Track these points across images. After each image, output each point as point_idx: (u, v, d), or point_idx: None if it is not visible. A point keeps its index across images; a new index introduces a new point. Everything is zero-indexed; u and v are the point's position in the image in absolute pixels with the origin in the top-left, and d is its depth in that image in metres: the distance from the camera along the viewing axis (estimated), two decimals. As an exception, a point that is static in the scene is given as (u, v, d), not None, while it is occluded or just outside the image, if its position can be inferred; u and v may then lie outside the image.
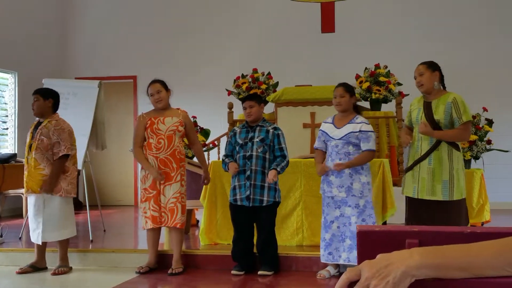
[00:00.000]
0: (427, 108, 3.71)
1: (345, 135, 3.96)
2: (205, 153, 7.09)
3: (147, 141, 4.36)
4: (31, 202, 4.41)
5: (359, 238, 2.06)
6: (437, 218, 3.59)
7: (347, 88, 4.05)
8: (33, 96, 4.46)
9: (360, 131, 3.94)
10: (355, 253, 3.95)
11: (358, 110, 4.17)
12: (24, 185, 4.40)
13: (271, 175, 4.12)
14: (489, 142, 6.08)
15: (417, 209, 3.73)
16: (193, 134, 4.53)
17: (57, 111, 4.53)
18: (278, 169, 4.16)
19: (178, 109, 4.51)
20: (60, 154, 4.32)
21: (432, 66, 3.74)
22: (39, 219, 4.32)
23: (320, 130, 4.14)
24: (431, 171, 3.66)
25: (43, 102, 4.41)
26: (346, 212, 3.99)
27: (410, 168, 3.77)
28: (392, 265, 0.92)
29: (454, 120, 3.65)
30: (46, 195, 4.30)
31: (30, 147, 4.36)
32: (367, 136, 3.95)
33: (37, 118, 4.50)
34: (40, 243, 4.37)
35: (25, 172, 4.38)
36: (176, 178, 4.29)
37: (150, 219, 4.30)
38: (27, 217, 5.01)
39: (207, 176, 4.60)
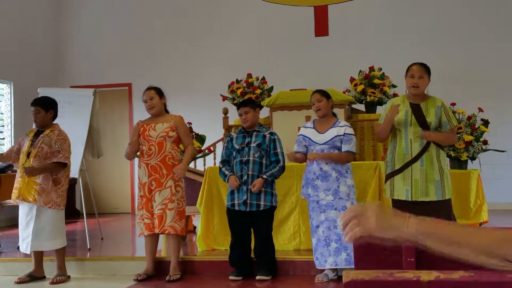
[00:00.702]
0: (417, 110, 3.73)
1: (331, 139, 4.00)
2: (201, 159, 7.10)
3: (140, 148, 4.39)
4: (22, 211, 4.40)
5: (356, 240, 2.08)
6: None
7: (323, 93, 4.13)
8: (33, 108, 4.45)
9: (344, 134, 4.01)
10: (343, 255, 3.96)
11: (336, 115, 4.24)
12: (15, 192, 4.37)
13: (257, 184, 4.12)
14: (485, 142, 6.10)
15: (408, 211, 3.72)
16: (186, 138, 4.44)
17: (57, 119, 4.57)
18: (265, 176, 4.16)
19: (172, 115, 4.50)
20: (58, 160, 4.33)
21: (429, 71, 3.79)
22: (29, 229, 4.31)
23: (300, 135, 4.16)
24: (424, 172, 3.68)
25: (44, 114, 4.44)
26: (331, 215, 4.00)
27: (400, 170, 3.75)
28: (389, 221, 0.98)
29: (443, 124, 3.76)
30: (38, 206, 4.29)
31: (28, 154, 4.36)
32: (349, 139, 4.01)
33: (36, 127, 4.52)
34: (29, 253, 4.36)
35: (19, 179, 4.36)
36: (166, 184, 4.27)
37: (145, 226, 4.31)
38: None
39: (180, 169, 4.25)
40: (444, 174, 3.70)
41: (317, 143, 4.03)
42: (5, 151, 4.60)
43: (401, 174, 3.74)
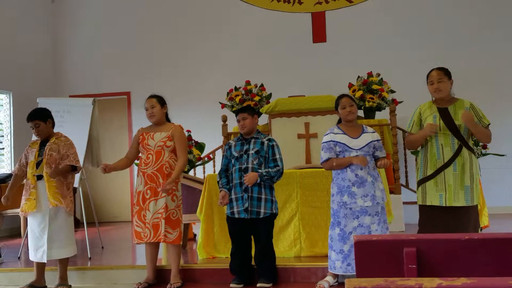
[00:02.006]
0: (445, 114, 3.71)
1: (366, 144, 3.97)
2: (200, 167, 7.10)
3: (140, 157, 4.42)
4: (34, 221, 4.41)
5: (357, 247, 2.08)
6: (455, 224, 3.57)
7: (352, 98, 4.13)
8: (31, 123, 4.47)
9: (377, 140, 4.04)
10: None
11: None
12: (27, 203, 4.37)
13: (250, 175, 4.11)
14: (484, 146, 6.11)
15: (437, 217, 3.68)
16: (180, 148, 4.34)
17: (57, 129, 4.62)
18: (260, 171, 4.14)
19: (172, 124, 4.50)
20: (70, 163, 4.40)
21: (448, 74, 3.78)
22: (44, 236, 4.33)
23: (332, 141, 3.98)
24: (457, 177, 3.64)
25: (45, 125, 4.47)
26: (366, 221, 3.96)
27: (432, 176, 3.70)
28: None
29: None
30: (51, 212, 4.32)
31: (37, 164, 4.39)
32: (381, 144, 4.06)
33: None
34: (45, 261, 4.37)
35: (31, 190, 4.37)
36: (162, 193, 4.26)
37: (135, 234, 4.33)
38: (26, 236, 4.99)
39: (166, 186, 4.18)
40: (475, 180, 3.67)
41: (353, 149, 3.96)
42: (16, 167, 4.59)
43: (434, 179, 3.70)
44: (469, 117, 3.60)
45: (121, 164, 4.49)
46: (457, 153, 3.66)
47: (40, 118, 4.46)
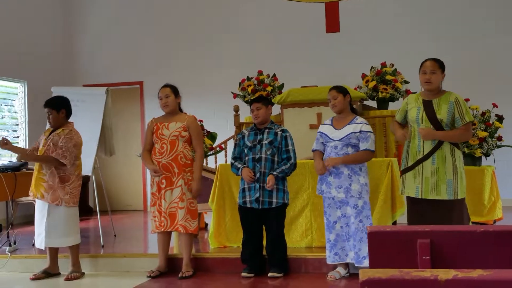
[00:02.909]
0: (428, 107, 3.67)
1: (346, 136, 3.98)
2: (212, 157, 7.12)
3: (154, 146, 4.42)
4: (37, 207, 4.51)
5: (370, 238, 2.07)
6: (440, 218, 3.56)
7: (339, 89, 4.12)
8: (45, 109, 4.51)
9: (360, 131, 3.98)
10: (362, 251, 3.95)
11: (356, 111, 4.23)
12: (30, 189, 4.49)
13: (269, 182, 4.13)
14: (499, 138, 6.04)
15: (419, 209, 3.69)
16: (196, 140, 4.41)
17: (70, 118, 4.60)
18: (275, 173, 4.16)
19: (186, 114, 4.51)
20: (55, 156, 4.32)
21: (443, 66, 3.72)
22: (42, 226, 4.39)
23: (319, 132, 4.17)
24: (435, 171, 3.62)
25: (56, 114, 4.49)
26: (348, 212, 4.02)
27: (412, 168, 3.71)
28: None
29: (456, 120, 3.65)
30: (50, 204, 4.35)
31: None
32: (366, 137, 3.98)
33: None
34: (43, 248, 4.45)
35: (32, 177, 4.48)
36: (177, 183, 4.29)
37: (155, 224, 4.36)
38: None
39: (195, 187, 4.33)
40: (458, 173, 3.63)
41: (333, 140, 4.03)
42: (30, 149, 4.69)
43: (413, 171, 3.70)
44: (425, 133, 3.61)
45: (151, 159, 4.40)
46: (436, 147, 3.63)
47: (53, 107, 4.49)
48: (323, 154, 4.13)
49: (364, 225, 3.94)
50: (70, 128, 4.52)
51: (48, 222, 4.37)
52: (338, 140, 4.00)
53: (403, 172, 3.79)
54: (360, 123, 4.02)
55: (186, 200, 4.31)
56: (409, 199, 3.77)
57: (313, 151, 4.19)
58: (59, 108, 4.51)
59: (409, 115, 3.76)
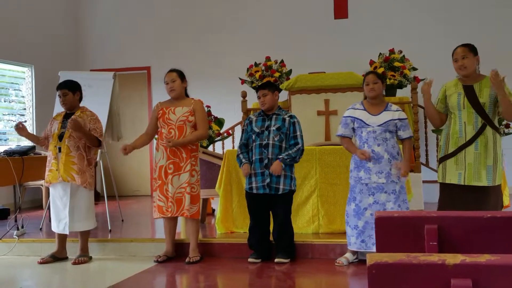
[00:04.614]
0: (470, 92, 3.62)
1: (385, 122, 3.96)
2: (219, 142, 7.12)
3: (159, 131, 4.41)
4: (56, 193, 4.47)
5: (378, 224, 2.07)
6: (475, 204, 3.52)
7: (378, 75, 4.09)
8: (59, 91, 4.51)
9: (399, 119, 3.99)
10: None
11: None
12: (49, 174, 4.42)
13: (275, 166, 4.12)
14: (507, 126, 5.99)
15: (456, 195, 3.62)
16: (201, 121, 4.36)
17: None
18: (282, 156, 4.15)
19: (192, 99, 4.50)
20: (95, 135, 4.43)
21: (474, 50, 3.67)
22: (66, 209, 4.39)
23: (350, 116, 4.07)
24: (478, 156, 3.57)
25: (72, 96, 4.51)
26: (381, 198, 3.97)
27: (453, 154, 3.64)
28: None
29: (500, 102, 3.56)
30: (73, 185, 4.36)
31: (60, 136, 4.42)
32: (405, 124, 4.02)
33: (64, 110, 4.59)
34: (68, 233, 4.45)
35: (52, 161, 4.42)
36: (186, 168, 4.30)
37: (157, 208, 4.35)
38: (48, 208, 5.09)
39: (174, 141, 4.24)
40: (498, 160, 3.60)
41: (370, 125, 3.98)
42: (42, 135, 4.68)
43: (454, 157, 3.63)
44: (497, 80, 3.44)
45: (141, 141, 4.51)
46: (479, 132, 3.58)
47: (70, 88, 4.50)
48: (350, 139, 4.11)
49: (401, 210, 3.92)
50: (89, 110, 4.55)
51: (71, 206, 4.38)
52: (377, 126, 3.97)
53: (442, 159, 3.72)
54: (397, 110, 4.03)
55: (192, 185, 4.32)
56: (445, 185, 3.69)
57: (341, 136, 4.10)
58: (75, 91, 4.53)
59: (449, 102, 3.70)
